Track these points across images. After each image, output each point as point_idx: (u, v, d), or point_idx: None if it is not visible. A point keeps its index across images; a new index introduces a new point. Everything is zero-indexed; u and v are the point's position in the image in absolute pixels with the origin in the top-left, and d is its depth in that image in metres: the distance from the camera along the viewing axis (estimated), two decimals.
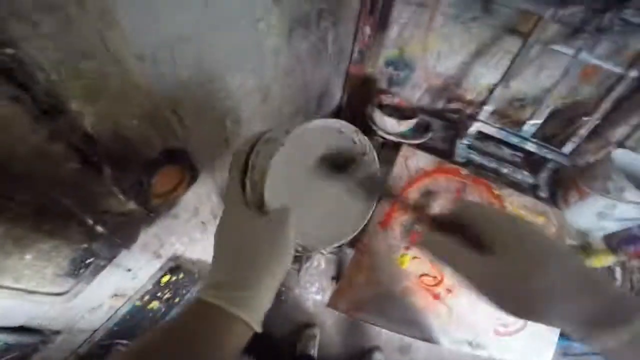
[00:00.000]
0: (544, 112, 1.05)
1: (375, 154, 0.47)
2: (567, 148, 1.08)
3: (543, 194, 1.14)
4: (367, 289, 0.91)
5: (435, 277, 0.94)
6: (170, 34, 0.46)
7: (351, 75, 1.41)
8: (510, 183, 1.14)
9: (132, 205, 0.54)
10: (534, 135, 1.13)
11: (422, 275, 0.94)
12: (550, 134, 1.23)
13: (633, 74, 0.93)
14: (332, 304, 0.87)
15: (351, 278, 0.92)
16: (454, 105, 1.38)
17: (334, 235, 0.46)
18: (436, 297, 0.92)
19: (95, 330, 0.72)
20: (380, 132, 1.22)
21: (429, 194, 1.05)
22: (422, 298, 0.92)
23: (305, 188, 0.47)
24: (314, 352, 1.49)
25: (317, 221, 0.46)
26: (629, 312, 0.26)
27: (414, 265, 0.95)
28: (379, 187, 0.47)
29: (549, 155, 1.10)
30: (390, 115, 1.20)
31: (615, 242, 1.09)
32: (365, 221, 0.47)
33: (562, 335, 1.05)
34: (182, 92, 0.54)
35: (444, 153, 1.20)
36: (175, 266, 0.85)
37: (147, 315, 0.83)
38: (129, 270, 0.70)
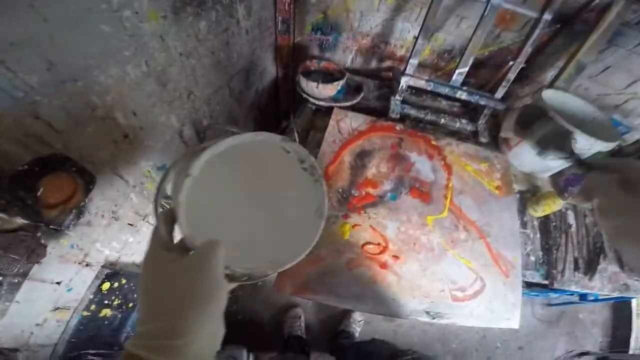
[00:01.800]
0: (468, 61, 1.00)
1: (312, 159, 0.44)
2: (499, 93, 1.03)
3: (484, 139, 1.09)
4: (310, 267, 0.80)
5: (379, 244, 0.84)
6: None
7: (280, 47, 1.30)
8: (450, 133, 1.07)
9: (19, 221, 0.53)
10: (464, 84, 1.07)
11: (365, 244, 0.84)
12: (484, 82, 1.18)
13: (547, 16, 0.90)
14: (278, 288, 0.77)
15: None
16: (386, 64, 1.30)
17: (286, 255, 0.41)
18: (383, 265, 0.82)
19: (56, 344, 0.74)
20: (311, 100, 1.10)
21: (363, 154, 0.95)
22: (369, 268, 0.82)
23: (243, 210, 0.45)
24: (301, 332, 1.47)
25: (265, 243, 0.43)
26: None
27: (355, 234, 0.85)
28: (325, 200, 0.43)
29: (483, 102, 1.05)
30: (319, 80, 1.09)
31: (562, 183, 1.05)
32: (318, 235, 0.43)
33: (542, 288, 1.01)
34: (39, 98, 0.49)
35: (379, 112, 1.11)
36: (113, 272, 0.83)
37: (102, 324, 0.85)
38: (58, 283, 0.70)
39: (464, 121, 1.10)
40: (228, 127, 1.12)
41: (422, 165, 0.95)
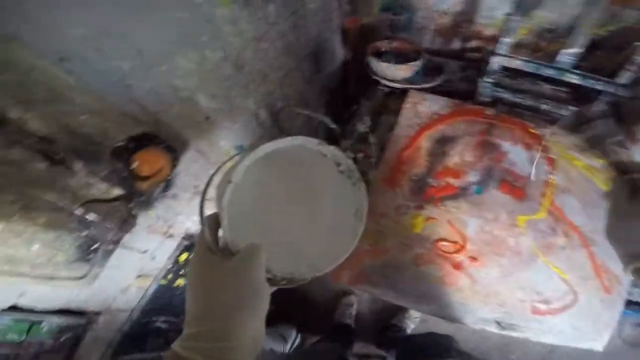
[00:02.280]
0: (580, 41, 0.84)
1: (349, 161, 0.44)
2: (624, 78, 0.84)
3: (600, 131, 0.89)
4: (372, 258, 0.75)
5: (455, 243, 0.74)
6: (86, 32, 0.45)
7: (347, 29, 1.25)
8: (553, 121, 0.90)
9: (117, 192, 0.58)
10: (575, 67, 0.89)
11: (438, 240, 0.75)
12: (600, 65, 0.97)
13: None
14: (334, 275, 0.73)
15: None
16: (472, 44, 1.15)
17: (325, 259, 0.41)
18: (457, 266, 0.72)
19: (132, 310, 0.79)
20: (383, 82, 1.02)
21: (444, 140, 0.84)
22: (439, 268, 0.73)
23: (283, 214, 0.45)
24: (350, 321, 1.44)
25: (305, 247, 0.43)
26: None
27: (429, 228, 0.76)
28: (364, 203, 0.43)
29: (601, 87, 0.86)
30: (392, 61, 1.00)
31: None
32: (358, 239, 0.43)
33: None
34: (131, 82, 0.53)
35: (464, 95, 0.98)
36: (191, 244, 0.87)
37: (175, 293, 0.88)
38: (145, 252, 0.74)
39: (573, 109, 0.92)
40: (299, 109, 1.11)
41: (517, 156, 0.81)
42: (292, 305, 1.51)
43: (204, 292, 0.32)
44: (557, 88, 0.99)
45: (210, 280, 0.33)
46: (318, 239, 0.45)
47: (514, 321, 0.69)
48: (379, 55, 1.05)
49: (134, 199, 0.62)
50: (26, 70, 0.41)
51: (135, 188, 0.60)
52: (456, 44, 1.19)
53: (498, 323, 0.70)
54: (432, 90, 0.99)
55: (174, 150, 0.66)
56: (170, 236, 0.83)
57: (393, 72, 0.98)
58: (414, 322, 1.45)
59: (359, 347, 1.45)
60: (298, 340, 1.43)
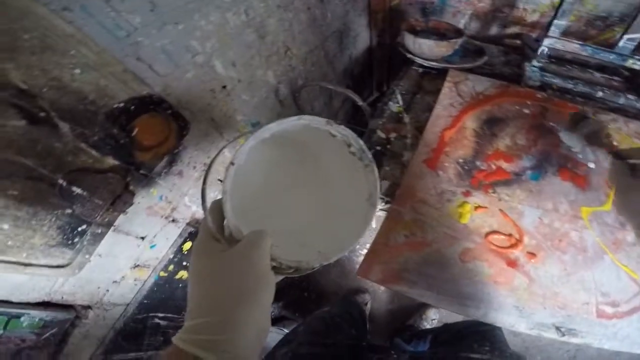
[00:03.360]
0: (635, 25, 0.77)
1: (360, 142, 0.41)
2: None
3: None
4: (409, 252, 0.63)
5: (510, 236, 0.64)
6: None
7: (374, 11, 1.18)
8: (610, 109, 0.82)
9: (112, 161, 0.49)
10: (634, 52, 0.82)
11: (490, 232, 0.64)
12: None
13: None
14: (363, 271, 0.61)
15: (388, 237, 0.64)
16: (512, 30, 1.07)
17: (335, 245, 0.38)
18: (512, 263, 0.62)
19: (128, 304, 0.70)
20: (418, 61, 0.93)
21: (493, 122, 0.75)
22: (491, 265, 0.62)
23: (291, 199, 0.43)
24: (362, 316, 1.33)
25: (313, 233, 0.41)
26: None
27: (479, 218, 0.65)
28: (377, 187, 0.40)
29: None
30: (431, 38, 0.92)
31: None
32: (369, 226, 0.40)
33: None
34: (141, 39, 0.48)
35: (508, 79, 0.89)
36: (196, 231, 0.76)
37: (177, 287, 0.80)
38: (142, 238, 0.65)
39: (631, 97, 0.83)
40: (323, 83, 1.02)
41: (577, 142, 0.72)
42: (304, 302, 1.45)
43: (205, 282, 0.31)
44: (610, 77, 0.91)
45: (212, 269, 0.31)
46: (327, 225, 0.43)
47: (575, 326, 0.59)
48: (415, 33, 0.96)
49: (131, 172, 0.53)
50: (17, 15, 0.35)
51: (134, 159, 0.52)
52: (494, 30, 1.12)
53: (558, 328, 0.59)
54: (472, 72, 0.90)
55: (182, 118, 0.58)
56: (174, 221, 0.73)
57: (432, 50, 0.89)
58: (432, 323, 1.34)
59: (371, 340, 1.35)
60: None
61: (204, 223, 0.35)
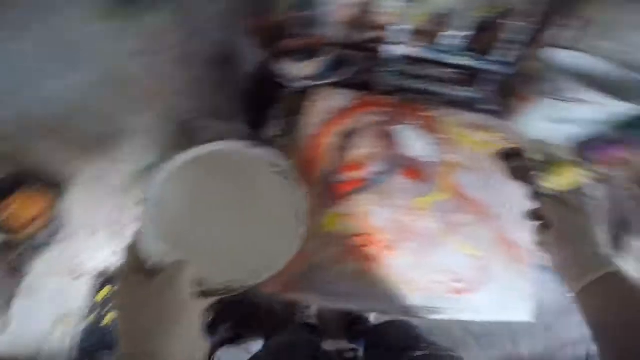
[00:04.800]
0: (461, 22, 0.88)
1: (284, 161, 0.43)
2: (505, 56, 0.90)
3: (491, 107, 0.95)
4: (294, 264, 0.71)
5: (368, 235, 0.75)
6: None
7: (257, 30, 1.21)
8: (451, 102, 0.95)
9: None
10: (468, 49, 0.94)
11: (352, 235, 0.75)
12: (490, 46, 1.03)
13: None
14: (262, 285, 0.69)
15: None
16: (375, 34, 1.17)
17: (267, 263, 0.41)
18: (373, 259, 0.74)
19: (70, 349, 0.78)
20: (292, 83, 1.01)
21: (349, 134, 0.85)
22: (358, 263, 0.73)
23: (219, 221, 0.43)
24: (312, 320, 1.42)
25: (244, 253, 0.42)
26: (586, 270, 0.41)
27: (342, 225, 0.76)
28: (304, 204, 0.43)
29: (485, 66, 0.92)
30: (298, 59, 0.99)
31: (584, 150, 0.91)
32: (299, 242, 0.43)
33: None
34: None
35: (368, 85, 1.00)
36: (107, 279, 0.85)
37: (108, 330, 0.85)
38: (54, 294, 0.73)
39: (465, 89, 0.97)
40: (207, 121, 1.07)
41: (415, 141, 0.84)
42: (254, 317, 1.51)
43: (128, 316, 0.32)
44: (455, 71, 1.04)
45: (133, 303, 0.33)
46: (258, 244, 0.44)
47: (438, 304, 0.72)
48: (290, 54, 1.03)
49: (16, 249, 0.59)
50: None
51: (15, 235, 0.57)
52: (364, 35, 1.20)
53: (423, 308, 0.72)
54: (341, 84, 0.99)
55: (56, 186, 0.63)
56: (81, 275, 0.79)
57: (299, 70, 0.96)
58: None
59: (329, 345, 1.44)
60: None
61: (126, 259, 0.36)
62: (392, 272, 0.73)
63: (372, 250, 0.74)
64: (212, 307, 0.38)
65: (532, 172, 0.63)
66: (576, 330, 1.65)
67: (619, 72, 0.85)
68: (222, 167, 0.44)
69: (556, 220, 0.50)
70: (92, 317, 0.83)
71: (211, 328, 1.46)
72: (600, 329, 0.39)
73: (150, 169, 0.94)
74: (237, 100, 1.33)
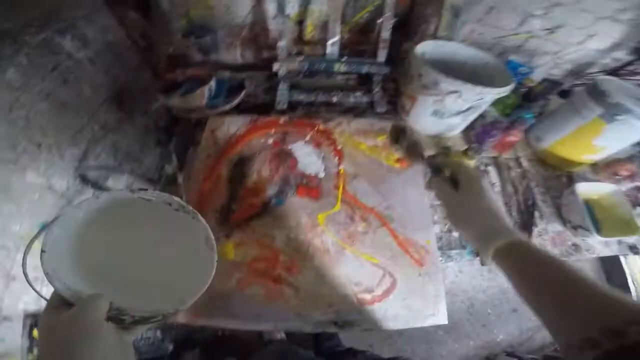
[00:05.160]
0: (336, 28, 0.91)
1: (177, 199, 0.45)
2: (381, 56, 0.92)
3: (381, 109, 0.98)
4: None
5: (268, 258, 0.74)
6: None
7: (154, 63, 1.19)
8: (346, 110, 0.97)
9: None
10: (353, 55, 0.96)
11: (252, 261, 0.74)
12: (370, 48, 1.06)
13: None
14: (174, 317, 0.68)
15: None
16: (266, 54, 1.18)
17: (187, 291, 0.43)
18: (276, 280, 0.73)
19: None
20: (185, 114, 0.99)
21: (242, 162, 0.84)
22: (261, 286, 0.72)
23: (134, 260, 0.47)
24: (280, 335, 1.39)
25: (162, 285, 0.44)
26: (493, 238, 0.44)
27: (241, 252, 0.75)
28: (209, 231, 0.46)
29: (366, 69, 0.95)
30: (185, 92, 0.98)
31: (473, 139, 0.95)
32: (214, 267, 0.45)
33: None
34: None
35: (268, 105, 1.00)
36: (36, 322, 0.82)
37: None
38: None
39: (358, 94, 0.99)
40: (101, 168, 1.03)
41: (309, 158, 0.84)
42: (222, 341, 1.50)
43: (45, 342, 0.35)
44: (348, 77, 1.06)
45: (49, 331, 0.35)
46: (175, 275, 0.46)
47: (348, 317, 0.71)
48: (177, 86, 1.02)
49: None
50: None
51: None
52: (264, 55, 1.21)
53: (335, 323, 0.71)
54: (238, 109, 0.99)
55: None
56: (6, 318, 0.76)
57: (185, 103, 0.95)
58: None
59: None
60: None
61: (50, 297, 0.39)
62: (298, 291, 0.72)
63: (274, 272, 0.73)
64: (172, 336, 0.41)
65: (422, 147, 0.62)
66: None
67: (486, 58, 0.89)
68: (128, 213, 0.45)
69: (465, 183, 0.50)
70: (34, 353, 0.79)
71: (176, 356, 1.45)
72: (521, 291, 0.41)
73: (43, 228, 0.90)
74: (151, 133, 1.30)
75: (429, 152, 0.72)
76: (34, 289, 0.39)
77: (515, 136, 0.91)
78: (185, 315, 0.69)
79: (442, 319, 0.72)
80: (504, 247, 0.43)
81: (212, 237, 0.46)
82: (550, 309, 0.38)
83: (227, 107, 0.97)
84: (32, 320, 0.80)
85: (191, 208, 0.46)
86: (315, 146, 0.86)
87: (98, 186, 1.10)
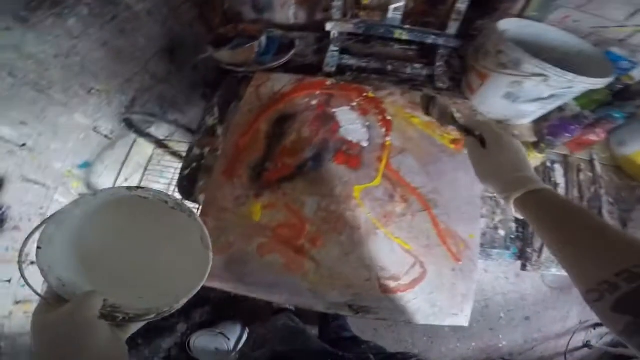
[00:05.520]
0: None
1: (173, 197, 0.45)
2: (452, 28, 0.81)
3: (442, 84, 0.87)
4: (216, 255, 0.67)
5: (294, 226, 0.69)
6: None
7: (208, 18, 1.16)
8: (401, 81, 0.87)
9: None
10: (414, 23, 0.86)
11: (278, 226, 0.70)
12: (430, 18, 0.95)
13: None
14: None
15: None
16: (319, 15, 1.10)
17: (183, 288, 0.43)
18: (299, 251, 0.68)
19: None
20: (232, 68, 0.95)
21: (283, 120, 0.79)
22: (283, 255, 0.68)
23: (131, 257, 0.47)
24: (289, 306, 1.40)
25: (159, 281, 0.45)
26: (524, 185, 0.45)
27: (267, 215, 0.71)
28: (204, 230, 0.45)
29: (432, 40, 0.85)
30: (237, 46, 0.94)
31: (545, 131, 0.82)
32: (210, 265, 0.44)
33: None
34: None
35: (317, 67, 0.94)
36: None
37: None
38: (8, 281, 0.74)
39: (417, 66, 0.89)
40: (146, 115, 1.03)
41: (353, 124, 0.77)
42: (232, 303, 1.53)
43: (39, 337, 0.35)
44: (407, 47, 0.96)
45: (43, 327, 0.36)
46: (173, 271, 0.47)
47: (365, 303, 0.65)
48: (228, 41, 0.98)
49: None
50: None
51: None
52: (318, 16, 1.14)
53: (350, 306, 0.65)
54: (286, 68, 0.93)
55: None
56: (33, 263, 0.80)
57: (232, 57, 0.91)
58: None
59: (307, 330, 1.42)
60: (246, 334, 1.44)
61: (43, 295, 0.40)
62: (319, 266, 0.67)
63: (298, 242, 0.68)
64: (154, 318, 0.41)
65: (452, 110, 0.58)
66: (557, 325, 1.61)
67: (581, 45, 0.76)
68: (124, 210, 0.46)
69: (491, 140, 0.51)
70: None
71: (186, 313, 1.49)
72: (544, 235, 0.43)
73: (84, 167, 0.93)
74: (197, 87, 1.30)
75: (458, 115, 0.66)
76: (27, 284, 0.40)
77: (597, 136, 0.78)
78: None
79: (463, 321, 0.66)
80: (528, 194, 0.44)
81: (208, 236, 0.45)
82: (572, 251, 0.38)
83: (275, 64, 0.92)
84: None
85: (187, 207, 0.45)
86: (362, 113, 0.79)
87: (141, 132, 1.11)
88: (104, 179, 1.07)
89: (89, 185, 1.02)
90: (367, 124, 0.77)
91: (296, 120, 0.79)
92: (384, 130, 0.77)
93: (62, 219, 0.40)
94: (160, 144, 1.21)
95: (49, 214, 0.83)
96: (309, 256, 0.68)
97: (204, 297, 1.55)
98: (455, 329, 1.58)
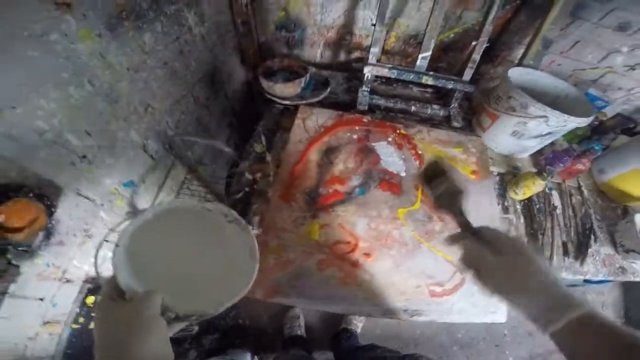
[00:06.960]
0: (430, 44, 0.96)
1: (233, 212, 0.51)
2: (467, 75, 0.99)
3: (457, 124, 1.04)
4: (279, 271, 0.78)
5: (349, 243, 0.81)
6: None
7: (245, 49, 1.28)
8: (422, 120, 1.03)
9: None
10: (434, 69, 1.03)
11: (335, 243, 0.80)
12: (453, 66, 1.13)
13: None
14: (250, 292, 0.74)
15: (261, 262, 0.77)
16: (355, 55, 1.26)
17: (228, 295, 0.47)
18: (354, 264, 0.79)
19: (53, 357, 0.80)
20: (275, 100, 1.07)
21: (330, 151, 0.91)
22: (340, 269, 0.78)
23: (185, 261, 0.52)
24: (301, 332, 1.48)
25: (206, 287, 0.50)
26: (565, 309, 0.41)
27: (325, 234, 0.81)
28: (255, 244, 0.50)
29: (451, 85, 1.01)
30: (280, 79, 1.06)
31: (542, 162, 1.00)
32: (255, 275, 0.49)
33: None
34: None
35: (349, 105, 1.08)
36: (96, 286, 0.88)
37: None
38: (41, 299, 0.74)
39: (435, 107, 1.06)
40: (190, 138, 1.11)
41: (391, 157, 0.91)
42: (241, 330, 1.57)
43: (104, 329, 0.38)
44: (424, 90, 1.13)
45: (110, 321, 0.39)
46: (220, 278, 0.51)
47: (417, 307, 0.76)
48: (272, 74, 1.10)
49: (9, 250, 0.63)
50: None
51: (8, 240, 0.60)
52: (342, 56, 1.30)
53: (405, 311, 0.76)
54: (321, 103, 1.07)
55: (46, 197, 0.65)
56: (68, 281, 0.81)
57: (282, 90, 1.03)
58: (361, 321, 1.51)
59: (317, 355, 1.48)
60: None
61: (104, 288, 0.43)
62: (373, 277, 0.78)
63: (353, 257, 0.79)
64: (197, 320, 0.47)
65: (460, 201, 0.56)
66: None
67: (568, 89, 0.95)
68: (188, 219, 0.52)
69: (506, 246, 0.47)
70: (81, 320, 0.85)
71: (197, 339, 1.52)
72: None
73: (129, 186, 0.97)
74: (227, 116, 1.39)
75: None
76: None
77: (583, 165, 0.96)
78: (260, 291, 0.75)
79: (500, 317, 0.77)
80: (580, 317, 0.39)
81: (257, 249, 0.51)
82: None
83: (315, 99, 1.05)
84: (90, 285, 0.86)
85: (244, 221, 0.51)
86: (397, 148, 0.93)
87: (179, 155, 1.18)
88: (142, 201, 1.12)
89: (131, 205, 1.07)
90: (403, 157, 0.92)
91: (342, 152, 0.92)
92: (417, 162, 0.91)
93: (139, 221, 0.46)
94: (192, 168, 1.29)
95: (92, 230, 0.84)
96: (363, 269, 0.79)
97: (214, 325, 1.58)
98: (463, 347, 1.68)
